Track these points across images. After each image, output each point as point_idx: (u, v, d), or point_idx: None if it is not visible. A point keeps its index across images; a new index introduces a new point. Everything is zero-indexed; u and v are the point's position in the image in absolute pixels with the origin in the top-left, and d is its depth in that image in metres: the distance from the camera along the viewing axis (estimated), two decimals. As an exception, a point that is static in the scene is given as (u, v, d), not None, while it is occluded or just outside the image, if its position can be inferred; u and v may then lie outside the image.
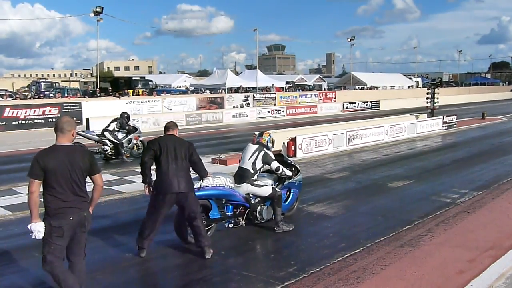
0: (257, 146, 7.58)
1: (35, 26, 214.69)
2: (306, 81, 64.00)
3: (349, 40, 57.05)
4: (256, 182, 7.32)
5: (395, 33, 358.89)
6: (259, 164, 7.35)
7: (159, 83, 52.50)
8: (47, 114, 24.25)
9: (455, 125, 23.40)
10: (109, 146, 14.18)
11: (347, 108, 38.80)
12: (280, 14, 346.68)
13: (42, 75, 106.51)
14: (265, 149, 7.50)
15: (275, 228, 7.35)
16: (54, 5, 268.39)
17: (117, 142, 14.18)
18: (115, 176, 11.83)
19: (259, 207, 7.37)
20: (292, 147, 14.67)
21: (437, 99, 25.27)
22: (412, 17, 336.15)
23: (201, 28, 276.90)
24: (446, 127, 22.65)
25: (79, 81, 70.12)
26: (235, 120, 29.78)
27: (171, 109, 28.87)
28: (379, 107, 41.36)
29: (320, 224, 7.87)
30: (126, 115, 14.81)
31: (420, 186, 10.78)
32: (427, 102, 25.26)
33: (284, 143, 14.88)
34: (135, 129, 14.93)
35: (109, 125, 14.52)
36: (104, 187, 10.57)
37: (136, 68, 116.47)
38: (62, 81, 68.70)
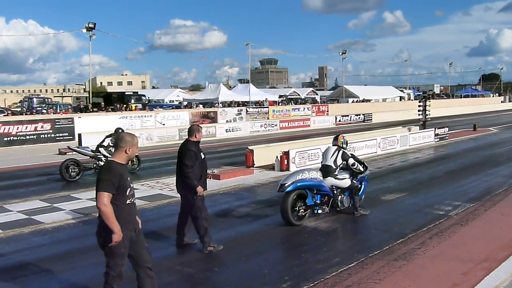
0: (336, 147, 9.26)
1: (29, 42, 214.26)
2: (298, 95, 64.26)
3: (341, 53, 57.37)
4: (338, 176, 9.03)
5: (386, 47, 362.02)
6: (339, 161, 9.05)
7: (152, 98, 52.49)
8: (39, 130, 24.13)
9: (447, 137, 23.52)
10: (103, 162, 14.10)
11: (339, 121, 38.94)
12: (272, 28, 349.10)
13: (35, 90, 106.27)
14: (342, 149, 9.20)
15: (355, 213, 9.07)
16: (48, 21, 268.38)
17: None
18: (107, 192, 11.72)
19: (339, 197, 9.01)
20: (285, 161, 14.66)
21: (429, 111, 25.46)
22: (403, 31, 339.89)
23: (194, 42, 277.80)
24: (438, 139, 22.76)
25: (71, 96, 69.87)
26: (228, 135, 29.76)
27: (164, 124, 28.85)
28: (371, 119, 41.55)
29: (314, 239, 7.84)
30: (120, 130, 14.73)
31: (413, 198, 10.79)
32: (419, 114, 25.44)
33: (277, 157, 14.88)
34: (130, 144, 14.84)
35: (103, 140, 14.46)
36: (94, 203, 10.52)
37: (129, 83, 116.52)
38: (54, 96, 68.43)
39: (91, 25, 33.26)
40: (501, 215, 9.16)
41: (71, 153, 17.00)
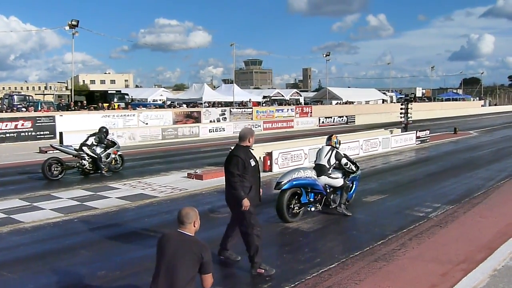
0: (329, 147, 9.53)
1: (10, 39, 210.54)
2: (282, 96, 64.38)
3: (325, 55, 57.68)
4: (331, 175, 9.30)
5: (370, 49, 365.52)
6: (332, 161, 9.33)
7: (135, 97, 52.06)
8: (20, 128, 23.77)
9: (428, 140, 23.81)
10: (87, 161, 13.95)
11: (323, 122, 39.15)
12: (257, 29, 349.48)
13: (16, 88, 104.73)
14: (336, 149, 9.50)
15: (337, 208, 9.29)
16: (30, 18, 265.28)
17: (96, 156, 13.97)
18: (88, 192, 11.61)
19: (332, 195, 9.35)
20: (268, 161, 14.68)
21: (411, 114, 25.72)
22: (386, 34, 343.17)
23: (179, 42, 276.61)
24: (420, 142, 23.04)
25: (53, 94, 69.00)
26: (212, 135, 29.69)
27: (147, 123, 28.67)
28: (354, 121, 41.87)
29: (295, 239, 7.88)
30: (104, 129, 14.66)
31: (394, 200, 10.91)
32: (401, 117, 25.68)
33: (260, 157, 14.88)
34: (113, 143, 14.77)
35: (87, 139, 14.33)
36: (77, 202, 10.48)
37: (112, 81, 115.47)
38: (36, 94, 67.61)
39: (74, 23, 32.91)
40: (480, 217, 9.30)
41: (52, 151, 16.81)
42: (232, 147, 6.60)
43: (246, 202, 6.08)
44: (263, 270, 6.18)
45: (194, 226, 4.42)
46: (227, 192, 6.41)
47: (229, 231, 6.71)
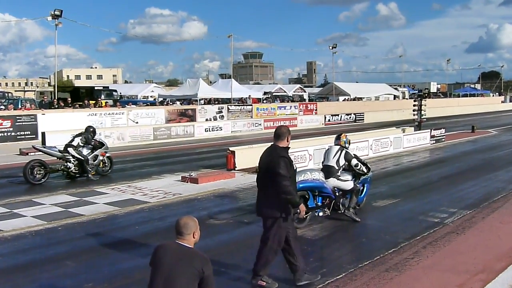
0: (338, 147, 9.57)
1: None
2: (285, 92, 64.34)
3: (331, 47, 57.46)
4: (341, 177, 9.30)
5: (380, 41, 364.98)
6: (342, 161, 9.34)
7: (124, 93, 52.07)
8: (-2, 128, 23.77)
9: (443, 139, 23.82)
10: (72, 163, 13.94)
11: (329, 120, 39.16)
12: (257, 19, 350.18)
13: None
14: (345, 149, 9.52)
15: (345, 212, 9.29)
16: (9, 7, 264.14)
17: (82, 158, 13.96)
18: (74, 197, 11.62)
19: (341, 199, 9.36)
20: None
21: (425, 111, 25.75)
22: (397, 24, 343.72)
23: (172, 34, 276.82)
24: (434, 141, 23.04)
25: (35, 91, 69.07)
26: (208, 134, 29.70)
27: (137, 122, 28.65)
28: (363, 119, 41.88)
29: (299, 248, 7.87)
30: (91, 129, 14.65)
31: (407, 205, 10.92)
32: (414, 115, 25.71)
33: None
34: (101, 144, 14.76)
35: (72, 140, 14.31)
36: (61, 209, 10.48)
37: (99, 76, 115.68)
38: (15, 91, 67.72)
39: (57, 13, 32.85)
40: (500, 223, 9.32)
41: (33, 153, 16.83)
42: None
43: (303, 207, 6.11)
44: (265, 283, 6.15)
45: (194, 237, 4.38)
46: (264, 200, 6.10)
47: (290, 250, 6.28)
